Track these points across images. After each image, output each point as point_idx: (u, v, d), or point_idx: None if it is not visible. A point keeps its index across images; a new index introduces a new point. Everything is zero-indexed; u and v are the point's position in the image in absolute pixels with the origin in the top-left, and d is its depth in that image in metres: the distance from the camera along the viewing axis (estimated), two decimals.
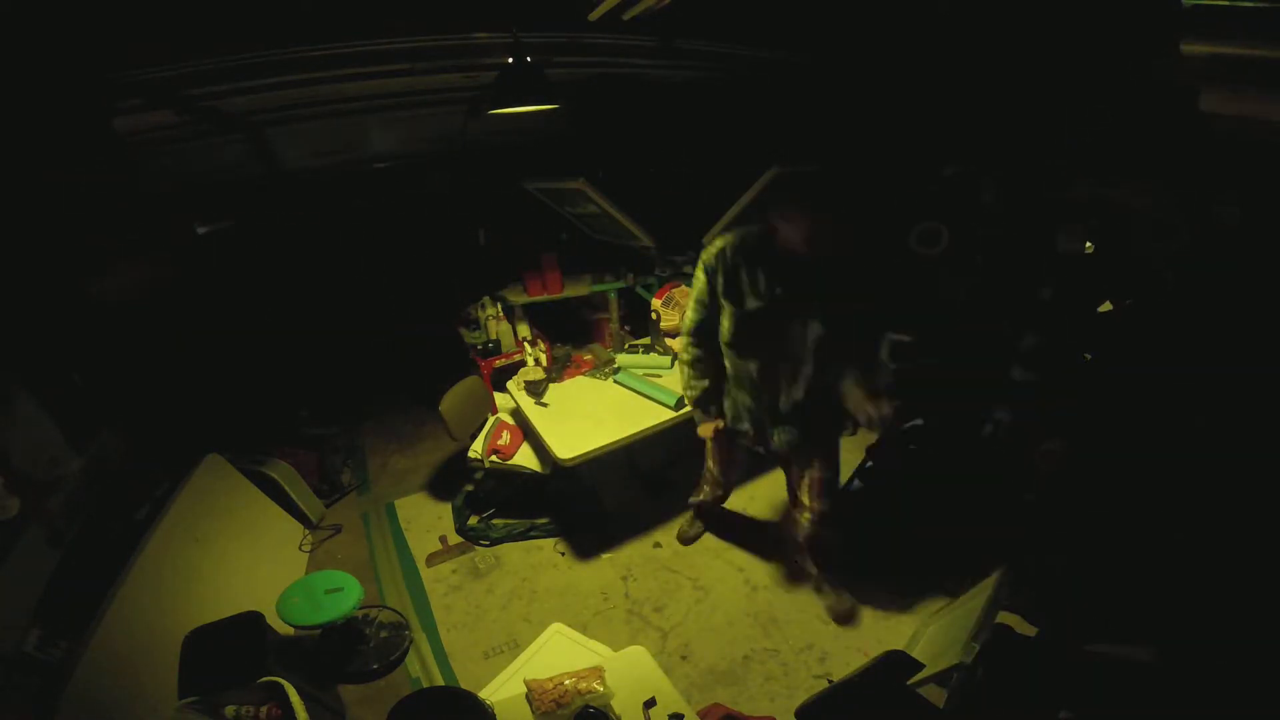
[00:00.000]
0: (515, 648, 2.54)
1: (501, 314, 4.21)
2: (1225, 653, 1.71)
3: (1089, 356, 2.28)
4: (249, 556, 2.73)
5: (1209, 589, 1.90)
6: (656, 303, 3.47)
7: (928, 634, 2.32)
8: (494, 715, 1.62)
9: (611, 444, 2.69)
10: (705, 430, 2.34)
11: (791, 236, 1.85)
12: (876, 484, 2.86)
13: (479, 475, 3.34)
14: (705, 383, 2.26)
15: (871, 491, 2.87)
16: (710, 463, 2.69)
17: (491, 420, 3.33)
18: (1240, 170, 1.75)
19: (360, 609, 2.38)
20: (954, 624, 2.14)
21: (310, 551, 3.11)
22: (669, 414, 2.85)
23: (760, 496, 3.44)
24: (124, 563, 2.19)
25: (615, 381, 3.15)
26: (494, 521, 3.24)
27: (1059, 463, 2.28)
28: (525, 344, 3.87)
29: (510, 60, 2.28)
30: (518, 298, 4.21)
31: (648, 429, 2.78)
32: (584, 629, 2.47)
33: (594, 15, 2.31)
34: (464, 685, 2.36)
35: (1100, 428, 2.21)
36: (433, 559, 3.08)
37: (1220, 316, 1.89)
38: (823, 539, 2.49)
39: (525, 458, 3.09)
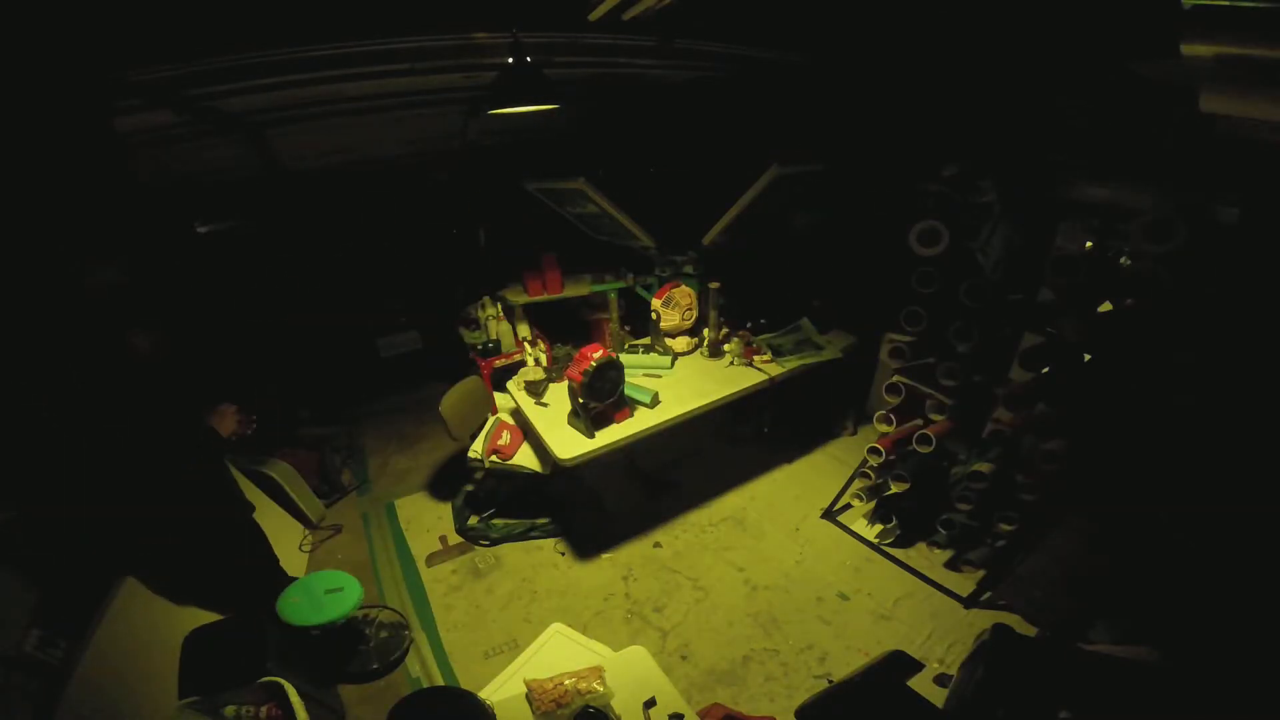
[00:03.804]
0: (515, 648, 2.54)
1: (501, 314, 4.22)
2: (1225, 653, 1.71)
3: (1089, 356, 2.28)
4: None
5: (1209, 590, 1.90)
6: (656, 303, 3.47)
7: None
8: (494, 715, 1.62)
9: (611, 444, 2.69)
10: None
11: None
12: None
13: (479, 475, 3.34)
14: None
15: None
16: None
17: (491, 420, 3.34)
18: (1240, 170, 1.76)
19: (360, 609, 2.38)
20: None
21: (310, 551, 3.11)
22: (669, 414, 2.85)
23: (760, 496, 3.44)
24: (125, 562, 2.19)
25: None
26: (494, 521, 3.24)
27: (1059, 463, 2.28)
28: (525, 344, 3.88)
29: (510, 60, 2.28)
30: (518, 298, 4.22)
31: (647, 429, 2.78)
32: (584, 629, 2.48)
33: (594, 15, 2.31)
34: (464, 685, 2.37)
35: (1100, 428, 2.21)
36: (433, 559, 3.08)
37: (1220, 316, 1.90)
38: None
39: (525, 458, 3.09)
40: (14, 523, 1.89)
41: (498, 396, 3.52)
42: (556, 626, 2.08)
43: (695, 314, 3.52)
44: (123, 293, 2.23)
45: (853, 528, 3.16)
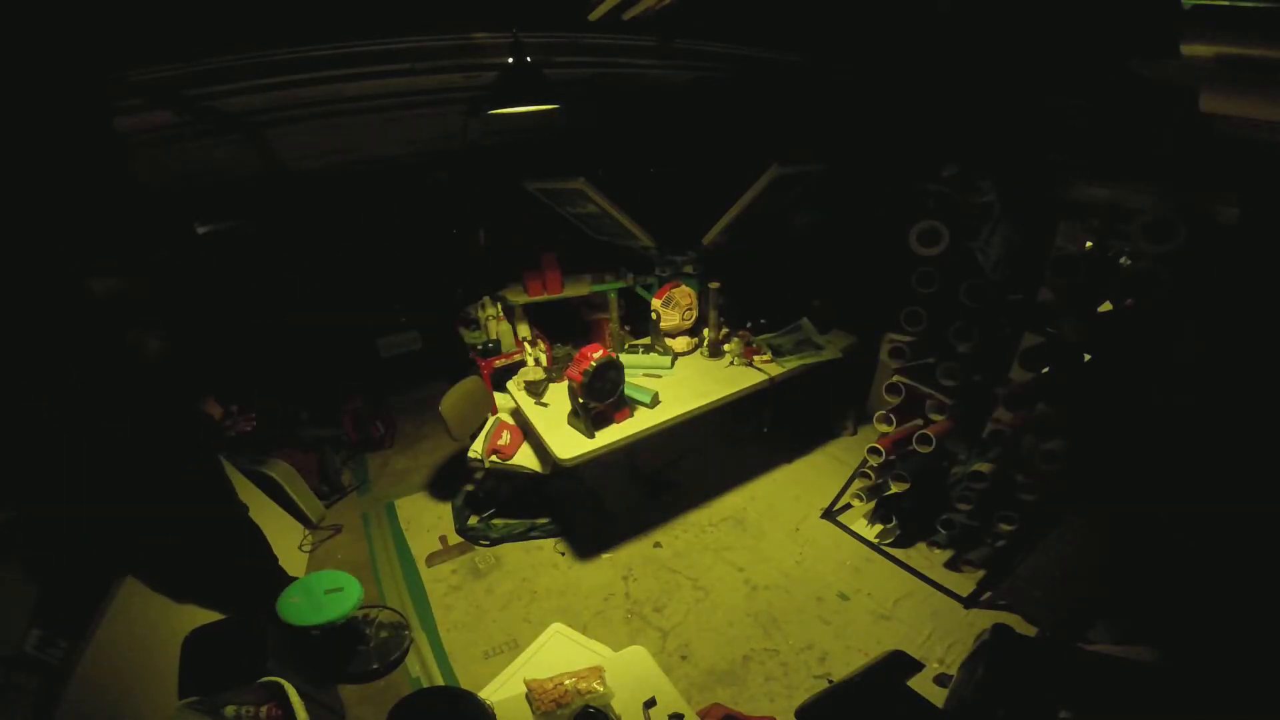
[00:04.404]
0: (515, 648, 2.54)
1: (501, 314, 4.22)
2: (1225, 653, 1.71)
3: (1089, 356, 2.28)
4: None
5: (1209, 590, 1.90)
6: (656, 303, 3.47)
7: None
8: (494, 715, 1.62)
9: (611, 444, 2.69)
10: None
11: None
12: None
13: (479, 475, 3.34)
14: None
15: None
16: None
17: (491, 420, 3.34)
18: (1240, 170, 1.76)
19: (360, 609, 2.38)
20: None
21: (310, 551, 3.11)
22: (669, 414, 2.85)
23: (760, 496, 3.44)
24: (124, 562, 2.19)
25: None
26: (494, 521, 3.24)
27: (1059, 463, 2.28)
28: (525, 344, 3.88)
29: (510, 60, 2.28)
30: (518, 298, 4.22)
31: (647, 429, 2.78)
32: (584, 629, 2.48)
33: (594, 15, 2.31)
34: (464, 685, 2.37)
35: (1100, 428, 2.21)
36: (433, 559, 3.08)
37: (1219, 316, 1.90)
38: None
39: (525, 458, 3.09)
40: (14, 522, 1.89)
41: (498, 396, 3.52)
42: (556, 626, 2.08)
43: (695, 314, 3.53)
44: (132, 294, 2.24)
45: (853, 528, 3.16)
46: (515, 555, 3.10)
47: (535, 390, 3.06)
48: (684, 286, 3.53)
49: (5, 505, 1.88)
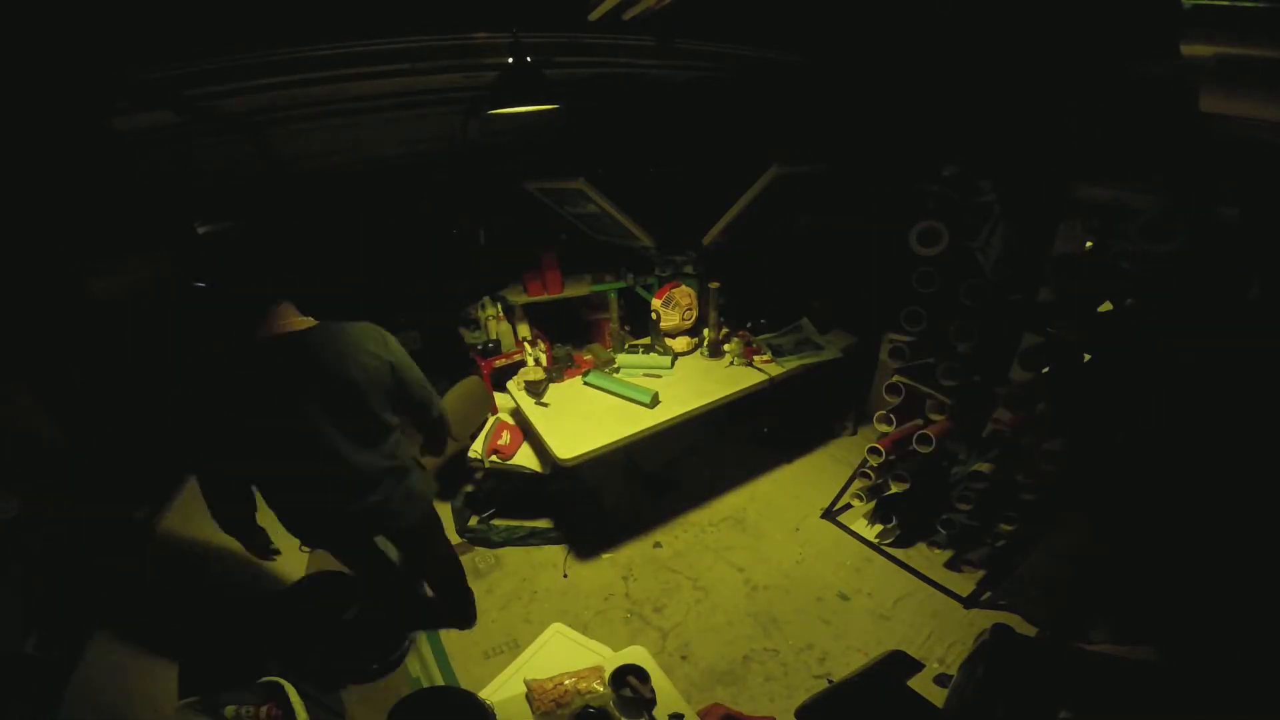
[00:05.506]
0: (515, 648, 2.54)
1: (501, 314, 4.21)
2: (1225, 653, 1.71)
3: (1089, 356, 2.28)
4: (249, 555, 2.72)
5: (1209, 589, 1.90)
6: (656, 303, 3.47)
7: None
8: (494, 715, 1.62)
9: (611, 444, 2.69)
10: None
11: None
12: None
13: (479, 475, 3.34)
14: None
15: None
16: None
17: (491, 420, 3.33)
18: (1240, 170, 1.76)
19: (360, 609, 2.37)
20: None
21: (310, 552, 3.10)
22: (669, 414, 2.85)
23: (760, 496, 3.44)
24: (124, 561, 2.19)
25: (585, 384, 3.15)
26: (494, 523, 3.24)
27: (1059, 463, 2.28)
28: (525, 344, 3.87)
29: (510, 60, 2.28)
30: (518, 298, 4.22)
31: (647, 429, 2.78)
32: (584, 629, 2.48)
33: (594, 15, 2.31)
34: (464, 685, 2.36)
35: (1100, 427, 2.21)
36: None
37: (1220, 317, 1.90)
38: None
39: (525, 458, 3.09)
40: (16, 522, 1.89)
41: (498, 396, 3.52)
42: (556, 626, 2.08)
43: (695, 314, 3.53)
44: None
45: (853, 528, 3.16)
46: (515, 555, 3.09)
47: (535, 390, 3.06)
48: (684, 286, 3.54)
49: (7, 504, 1.88)
